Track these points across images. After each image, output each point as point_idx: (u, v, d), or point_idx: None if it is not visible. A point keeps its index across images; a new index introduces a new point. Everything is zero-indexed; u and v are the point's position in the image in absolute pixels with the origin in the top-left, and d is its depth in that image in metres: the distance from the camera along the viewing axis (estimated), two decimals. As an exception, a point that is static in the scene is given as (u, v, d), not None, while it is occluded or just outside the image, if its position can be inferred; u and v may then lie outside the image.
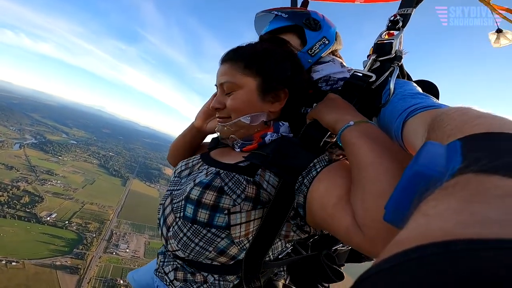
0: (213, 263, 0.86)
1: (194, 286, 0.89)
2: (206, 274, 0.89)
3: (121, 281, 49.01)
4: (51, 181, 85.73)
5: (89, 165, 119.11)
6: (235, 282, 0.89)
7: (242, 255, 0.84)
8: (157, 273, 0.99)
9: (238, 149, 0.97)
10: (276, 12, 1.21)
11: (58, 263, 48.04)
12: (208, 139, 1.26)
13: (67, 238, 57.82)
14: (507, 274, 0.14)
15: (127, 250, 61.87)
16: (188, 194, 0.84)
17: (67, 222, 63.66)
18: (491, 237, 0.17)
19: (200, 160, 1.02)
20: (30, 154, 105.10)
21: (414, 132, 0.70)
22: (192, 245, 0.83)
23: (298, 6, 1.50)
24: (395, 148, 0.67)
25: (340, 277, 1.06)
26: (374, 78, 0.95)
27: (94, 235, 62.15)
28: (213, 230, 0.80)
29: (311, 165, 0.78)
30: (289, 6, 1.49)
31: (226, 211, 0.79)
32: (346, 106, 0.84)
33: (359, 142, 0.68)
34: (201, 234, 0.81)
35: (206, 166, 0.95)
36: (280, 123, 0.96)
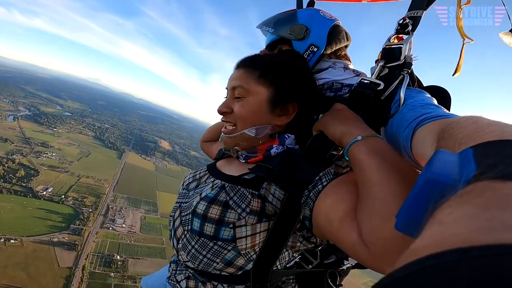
0: (222, 273, 0.88)
1: None
2: (216, 283, 0.91)
3: (118, 257, 50.84)
4: (46, 153, 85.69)
5: (84, 137, 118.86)
6: None
7: (250, 266, 0.85)
8: (170, 281, 1.03)
9: (243, 161, 0.96)
10: (264, 28, 1.21)
11: (55, 239, 49.27)
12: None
13: (63, 213, 58.84)
14: None
15: (124, 225, 63.39)
16: (194, 208, 0.86)
17: (63, 196, 64.54)
18: (509, 242, 0.17)
19: (207, 172, 1.03)
20: (24, 126, 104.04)
21: (423, 142, 0.69)
22: (200, 257, 0.86)
23: (304, 6, 1.43)
24: (404, 166, 0.65)
25: None
26: (382, 86, 0.92)
27: (91, 210, 63.29)
28: (220, 243, 0.82)
29: (317, 178, 0.78)
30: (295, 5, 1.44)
31: (231, 225, 0.80)
32: (353, 118, 0.82)
33: (367, 160, 0.67)
34: (208, 246, 0.84)
35: (212, 179, 0.95)
36: (286, 136, 0.94)
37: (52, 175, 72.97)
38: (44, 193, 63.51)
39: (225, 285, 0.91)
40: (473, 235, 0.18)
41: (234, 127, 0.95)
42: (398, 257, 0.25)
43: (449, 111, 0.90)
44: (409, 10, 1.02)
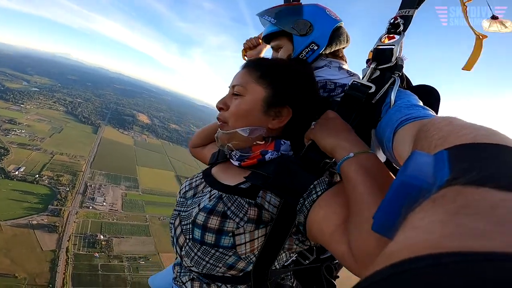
0: (225, 275, 0.92)
1: None
2: (220, 284, 0.96)
3: (101, 237, 50.93)
4: (15, 130, 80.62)
5: (55, 113, 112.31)
6: None
7: (250, 267, 0.90)
8: (176, 282, 1.07)
9: (236, 162, 0.99)
10: (265, 18, 1.19)
11: (34, 222, 48.16)
12: None
13: (39, 193, 57.06)
14: None
15: (104, 204, 62.64)
16: (194, 218, 0.89)
17: (37, 176, 61.99)
18: (477, 249, 0.17)
19: (203, 180, 1.05)
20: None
21: (402, 142, 0.72)
22: (203, 262, 0.90)
23: None
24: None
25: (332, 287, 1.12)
26: (373, 89, 0.94)
27: (68, 189, 61.61)
28: (221, 249, 0.86)
29: (311, 187, 0.81)
30: None
31: (230, 234, 0.84)
32: (343, 129, 0.85)
33: (358, 178, 0.70)
34: (210, 253, 0.88)
35: (209, 189, 0.98)
36: (282, 142, 0.97)
37: (23, 154, 69.37)
38: (17, 173, 60.53)
39: (228, 286, 0.96)
40: (444, 241, 0.19)
41: (224, 124, 0.98)
42: None
43: (438, 109, 0.96)
44: (400, 9, 1.01)
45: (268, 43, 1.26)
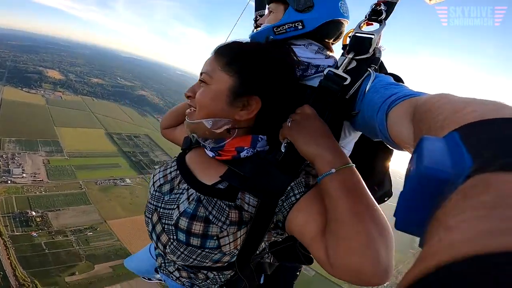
0: (211, 266, 0.96)
1: (198, 281, 1.03)
2: (206, 271, 1.01)
3: (33, 213, 46.12)
4: None
5: None
6: (232, 274, 1.02)
7: (234, 259, 0.94)
8: (162, 271, 1.11)
9: (211, 154, 0.96)
10: None
11: None
12: None
13: None
14: None
15: (24, 175, 55.36)
16: (176, 222, 0.89)
17: None
18: None
19: (179, 173, 1.02)
20: None
21: (399, 124, 0.72)
22: (191, 260, 0.93)
23: None
24: (372, 201, 0.71)
25: (310, 261, 1.11)
26: (348, 81, 0.92)
27: (-27, 164, 52.28)
28: (206, 250, 0.88)
29: (288, 189, 0.83)
30: None
31: (215, 237, 0.86)
32: (323, 134, 0.83)
33: (339, 196, 0.71)
34: (197, 252, 0.90)
35: (186, 186, 0.96)
36: (259, 138, 0.93)
37: None
38: None
39: (214, 272, 1.00)
40: (485, 240, 0.18)
41: (193, 110, 0.94)
42: (355, 276, 0.39)
43: None
44: None
45: (268, 4, 1.23)
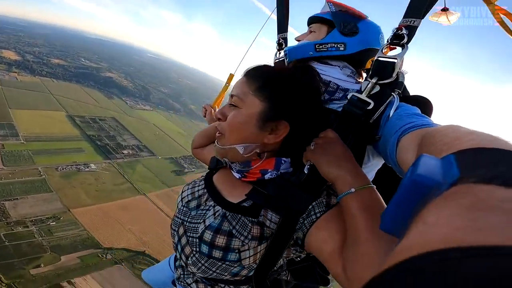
0: (229, 279, 1.00)
1: None
2: (224, 285, 1.04)
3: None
4: None
5: None
6: None
7: (252, 273, 0.97)
8: (180, 282, 1.15)
9: (237, 175, 1.00)
10: (328, 4, 1.23)
11: None
12: None
13: None
14: (507, 283, 0.14)
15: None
16: (201, 235, 0.95)
17: None
18: (490, 243, 0.17)
19: (206, 191, 1.08)
20: None
21: (406, 150, 0.74)
22: (210, 272, 0.97)
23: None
24: None
25: (326, 283, 1.15)
26: (372, 105, 0.93)
27: None
28: (227, 263, 0.93)
29: (310, 207, 0.88)
30: None
31: (237, 250, 0.91)
32: (345, 158, 0.86)
33: (359, 216, 0.74)
34: (217, 265, 0.94)
35: (213, 203, 1.02)
36: (283, 160, 0.96)
37: None
38: None
39: (231, 286, 1.03)
40: (457, 235, 0.19)
41: (220, 135, 0.98)
42: None
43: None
44: (404, 17, 0.98)
45: (310, 24, 1.30)
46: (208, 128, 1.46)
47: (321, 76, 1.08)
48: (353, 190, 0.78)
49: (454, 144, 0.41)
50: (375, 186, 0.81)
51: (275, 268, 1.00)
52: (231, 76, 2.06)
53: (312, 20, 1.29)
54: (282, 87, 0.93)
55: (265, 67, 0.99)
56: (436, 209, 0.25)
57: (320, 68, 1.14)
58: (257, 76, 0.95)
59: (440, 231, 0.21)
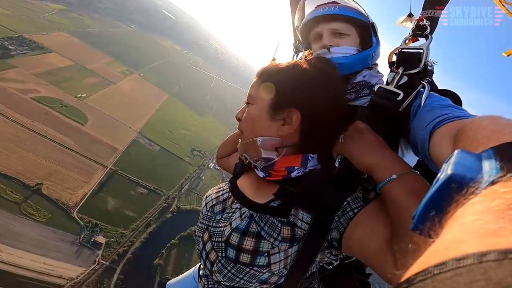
0: None
1: None
2: None
3: None
4: None
5: None
6: None
7: (282, 280, 0.90)
8: None
9: (261, 174, 0.96)
10: (351, 5, 1.15)
11: None
12: None
13: None
14: None
15: None
16: (227, 238, 0.89)
17: None
18: None
19: (231, 195, 1.04)
20: None
21: (440, 143, 0.70)
22: (237, 279, 0.90)
23: None
24: None
25: (367, 287, 1.08)
26: (401, 96, 0.90)
27: None
28: (256, 268, 0.86)
29: (345, 204, 0.81)
30: None
31: (266, 254, 0.85)
32: (378, 144, 0.82)
33: (405, 203, 0.68)
34: (245, 271, 0.88)
35: (238, 205, 0.97)
36: (310, 157, 0.92)
37: None
38: None
39: None
40: (494, 237, 0.18)
41: (241, 133, 0.99)
42: None
43: None
44: (424, 9, 0.99)
45: (317, 23, 1.17)
46: (232, 136, 1.46)
47: (368, 82, 1.09)
48: (394, 176, 0.72)
49: (492, 137, 0.39)
50: (418, 172, 0.75)
51: (306, 275, 0.93)
52: None
53: (331, 18, 1.13)
54: (285, 76, 0.92)
55: (273, 64, 0.98)
56: (473, 210, 0.24)
57: (368, 74, 1.12)
58: (264, 73, 0.96)
59: (476, 233, 0.20)
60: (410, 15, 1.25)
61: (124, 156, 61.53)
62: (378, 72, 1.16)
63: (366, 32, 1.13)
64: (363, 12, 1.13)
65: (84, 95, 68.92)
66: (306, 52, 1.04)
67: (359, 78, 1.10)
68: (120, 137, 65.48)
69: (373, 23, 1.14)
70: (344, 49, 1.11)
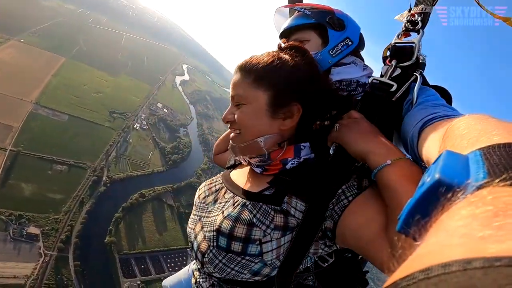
0: (248, 281, 0.91)
1: None
2: None
3: None
4: None
5: None
6: None
7: (275, 272, 0.89)
8: (196, 286, 1.09)
9: (258, 170, 0.97)
10: (299, 9, 1.20)
11: None
12: None
13: None
14: None
15: None
16: (218, 227, 0.89)
17: None
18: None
19: (223, 185, 1.05)
20: None
21: (429, 141, 0.70)
22: (228, 269, 0.89)
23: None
24: None
25: (365, 284, 1.09)
26: (395, 87, 0.92)
27: None
28: (247, 257, 0.86)
29: (339, 192, 0.81)
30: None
31: (258, 242, 0.84)
32: (372, 132, 0.83)
33: (401, 188, 0.68)
34: (236, 261, 0.87)
35: (231, 194, 0.98)
36: (302, 146, 0.93)
37: None
38: None
39: None
40: (480, 244, 0.18)
41: (239, 132, 0.96)
42: None
43: None
44: (415, 5, 1.02)
45: (286, 37, 1.25)
46: (226, 134, 1.45)
47: (343, 79, 1.12)
48: (389, 162, 0.72)
49: (480, 138, 0.38)
50: (411, 158, 0.76)
51: (300, 269, 0.92)
52: None
53: (289, 33, 1.25)
54: (277, 72, 0.91)
55: (253, 59, 0.96)
56: (458, 214, 0.24)
57: (338, 71, 1.15)
58: (250, 68, 0.93)
59: (462, 240, 0.20)
60: (410, 11, 1.26)
61: (25, 133, 55.01)
62: (367, 68, 1.17)
63: (324, 31, 1.17)
64: (309, 14, 1.17)
65: None
66: (282, 41, 1.10)
67: (334, 77, 1.12)
68: (13, 112, 56.91)
69: (330, 19, 1.14)
70: (314, 54, 1.16)
